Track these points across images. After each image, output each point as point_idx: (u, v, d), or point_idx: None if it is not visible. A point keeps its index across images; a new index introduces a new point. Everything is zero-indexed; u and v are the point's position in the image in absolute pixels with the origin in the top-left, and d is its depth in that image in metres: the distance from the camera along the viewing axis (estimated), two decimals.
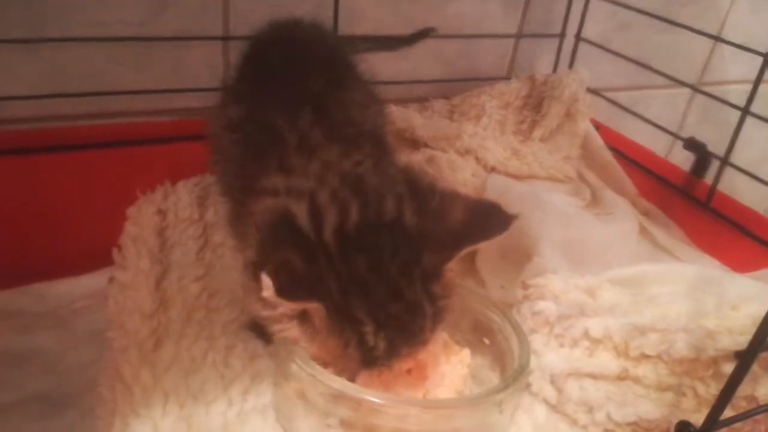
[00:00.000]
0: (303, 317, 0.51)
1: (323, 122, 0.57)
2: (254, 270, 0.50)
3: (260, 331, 0.70)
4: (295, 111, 0.57)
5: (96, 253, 0.82)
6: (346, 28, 0.98)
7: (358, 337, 0.50)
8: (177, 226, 0.82)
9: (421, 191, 0.53)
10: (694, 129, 1.41)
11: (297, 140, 0.55)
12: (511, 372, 0.61)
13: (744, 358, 0.49)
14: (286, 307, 0.50)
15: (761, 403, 0.61)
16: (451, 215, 0.52)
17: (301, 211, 0.50)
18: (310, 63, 0.67)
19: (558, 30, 1.15)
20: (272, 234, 0.50)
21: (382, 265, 0.50)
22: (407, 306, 0.51)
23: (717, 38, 1.10)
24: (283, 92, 0.61)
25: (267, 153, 0.56)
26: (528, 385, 0.68)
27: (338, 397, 0.54)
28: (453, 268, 0.54)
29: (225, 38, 0.93)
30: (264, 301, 0.49)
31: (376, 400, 0.53)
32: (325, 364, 0.54)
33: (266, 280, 0.46)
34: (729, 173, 0.98)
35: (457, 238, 0.52)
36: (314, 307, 0.49)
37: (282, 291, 0.46)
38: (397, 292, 0.50)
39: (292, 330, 0.52)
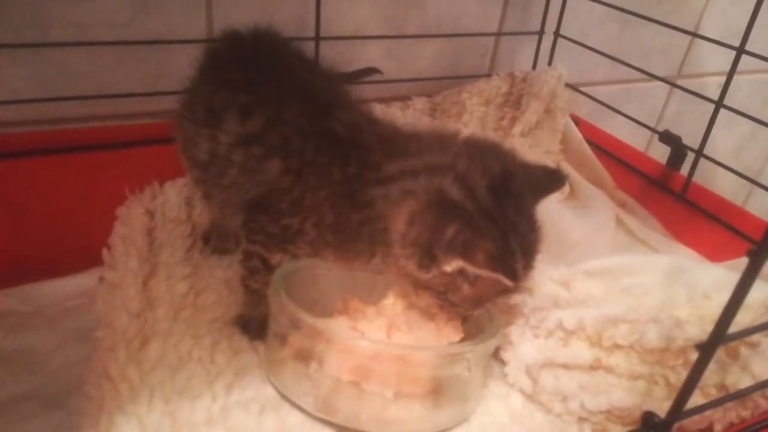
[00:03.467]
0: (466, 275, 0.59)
1: (373, 119, 0.67)
2: (426, 246, 0.58)
3: (246, 326, 0.73)
4: (337, 112, 0.65)
5: (84, 253, 0.83)
6: (327, 29, 0.99)
7: (510, 272, 0.57)
8: (165, 226, 0.83)
9: (516, 156, 0.64)
10: (673, 121, 1.44)
11: (375, 136, 0.64)
12: (480, 337, 0.66)
13: (705, 350, 0.50)
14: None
15: (730, 390, 0.63)
16: (536, 177, 0.64)
17: (450, 185, 0.58)
18: (305, 67, 0.72)
19: (537, 27, 1.17)
20: (433, 215, 0.58)
21: (522, 205, 0.60)
22: (537, 237, 0.61)
23: (691, 33, 1.12)
24: (308, 98, 0.66)
25: (349, 153, 0.62)
26: (504, 375, 0.71)
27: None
28: None
29: (209, 41, 0.94)
30: (441, 273, 0.58)
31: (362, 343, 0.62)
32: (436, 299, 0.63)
33: (456, 262, 0.56)
34: (705, 165, 1.00)
35: (541, 191, 0.63)
36: (499, 276, 0.57)
37: (490, 267, 0.56)
38: (533, 225, 0.61)
39: (463, 287, 0.61)
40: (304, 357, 0.64)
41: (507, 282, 0.57)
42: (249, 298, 0.72)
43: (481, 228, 0.56)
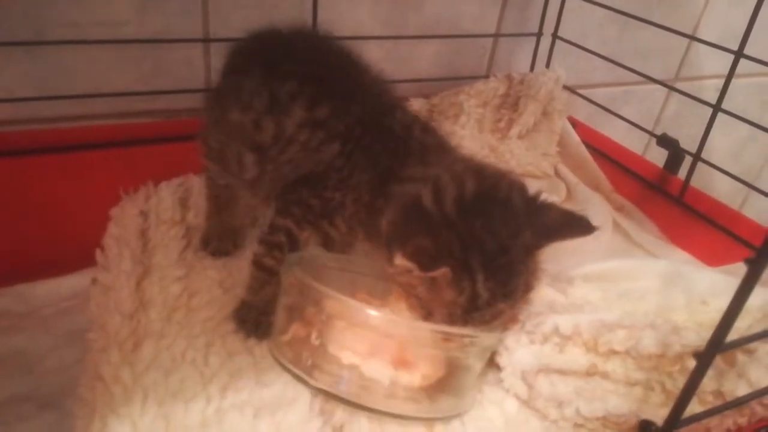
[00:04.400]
0: (432, 280, 0.61)
1: (426, 127, 0.73)
2: (388, 242, 0.62)
3: (244, 318, 0.74)
4: (397, 113, 0.72)
5: (79, 253, 0.82)
6: (325, 29, 0.99)
7: (471, 286, 0.59)
8: (159, 227, 0.83)
9: (527, 190, 0.65)
10: (672, 123, 1.43)
11: (420, 142, 0.69)
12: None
13: (702, 359, 0.50)
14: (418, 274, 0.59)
15: (727, 397, 0.63)
16: (549, 215, 0.63)
17: (426, 193, 0.61)
18: (360, 68, 0.77)
19: (535, 29, 1.17)
20: (403, 216, 0.62)
21: (494, 227, 0.60)
22: (511, 261, 0.60)
23: (690, 36, 1.11)
24: (371, 97, 0.73)
25: (397, 149, 0.68)
26: (500, 381, 0.70)
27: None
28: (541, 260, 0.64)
29: (205, 40, 0.94)
30: (396, 269, 0.61)
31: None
32: (423, 312, 0.64)
33: (403, 262, 0.58)
34: (703, 168, 1.00)
35: (553, 232, 0.63)
36: (442, 272, 0.58)
37: (422, 268, 0.58)
38: (503, 249, 0.60)
39: (419, 288, 0.62)
40: (310, 334, 0.66)
41: (453, 291, 0.59)
42: (256, 279, 0.73)
43: (432, 229, 0.59)
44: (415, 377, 0.64)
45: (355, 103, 0.71)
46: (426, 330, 0.64)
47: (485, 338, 0.65)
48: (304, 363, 0.65)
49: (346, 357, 0.64)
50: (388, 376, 0.63)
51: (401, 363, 0.64)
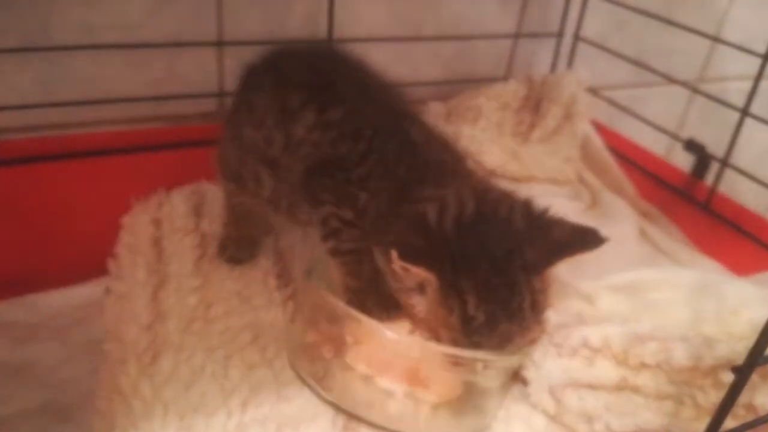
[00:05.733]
0: (421, 289, 0.60)
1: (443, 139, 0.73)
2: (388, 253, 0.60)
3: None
4: (416, 123, 0.71)
5: (90, 262, 0.82)
6: (341, 31, 0.98)
7: (460, 307, 0.57)
8: (173, 236, 0.82)
9: (532, 209, 0.63)
10: (695, 125, 1.41)
11: (435, 162, 0.68)
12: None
13: (741, 373, 0.48)
14: (409, 277, 0.59)
15: (759, 412, 0.61)
16: (555, 231, 0.61)
17: (431, 211, 0.61)
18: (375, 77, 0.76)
19: (556, 29, 1.15)
20: (408, 228, 0.61)
21: (489, 247, 0.59)
22: (507, 282, 0.58)
23: (714, 38, 1.10)
24: (387, 105, 0.72)
25: (416, 160, 0.67)
26: (527, 396, 0.69)
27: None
28: (552, 279, 0.62)
29: (219, 43, 0.93)
30: (394, 274, 0.60)
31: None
32: (432, 334, 0.62)
33: (395, 254, 0.57)
34: (729, 173, 0.98)
35: (559, 249, 0.60)
36: (428, 277, 0.57)
37: (401, 256, 0.57)
38: (499, 270, 0.58)
39: (413, 299, 0.61)
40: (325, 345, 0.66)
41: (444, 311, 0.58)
42: (347, 265, 0.70)
43: (429, 241, 0.59)
44: (429, 395, 0.63)
45: (368, 108, 0.70)
46: (436, 352, 0.62)
47: (499, 362, 0.63)
48: (318, 374, 0.65)
49: (360, 372, 0.63)
50: (401, 392, 0.63)
51: (415, 381, 0.63)
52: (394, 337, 0.62)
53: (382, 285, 0.65)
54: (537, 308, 0.60)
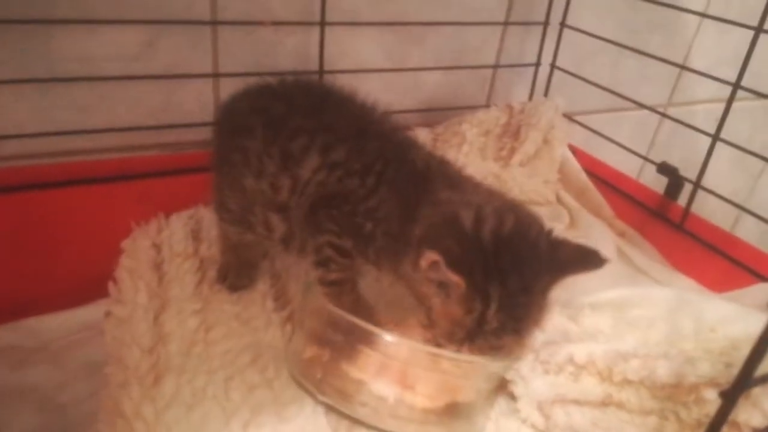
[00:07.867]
0: (443, 285, 0.63)
1: (444, 161, 0.76)
2: (419, 243, 0.64)
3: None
4: (413, 149, 0.75)
5: (88, 286, 0.83)
6: (331, 63, 1.01)
7: (481, 310, 0.61)
8: (173, 260, 0.83)
9: (551, 234, 0.67)
10: (665, 146, 1.46)
11: (442, 173, 0.72)
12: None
13: (728, 398, 0.49)
14: (440, 275, 0.61)
15: (743, 429, 0.62)
16: (562, 251, 0.65)
17: (467, 217, 0.64)
18: (366, 109, 0.78)
19: (534, 59, 1.19)
20: (442, 227, 0.64)
21: (521, 265, 0.62)
22: (528, 302, 0.63)
23: (683, 66, 1.14)
24: (385, 136, 0.74)
25: (421, 180, 0.70)
26: (516, 411, 0.71)
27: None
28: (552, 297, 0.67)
29: (215, 75, 0.95)
30: (419, 269, 0.62)
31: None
32: (431, 325, 0.66)
33: (431, 255, 0.59)
34: (700, 191, 1.02)
35: (565, 267, 0.65)
36: (457, 279, 0.60)
37: (448, 264, 0.59)
38: (525, 288, 0.62)
39: (432, 290, 0.64)
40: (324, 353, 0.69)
41: (469, 302, 0.61)
42: (331, 296, 0.72)
43: (464, 244, 0.62)
44: (417, 399, 0.65)
45: (371, 142, 0.72)
46: (424, 352, 0.65)
47: (487, 364, 0.67)
48: (314, 378, 0.68)
49: (355, 375, 0.66)
50: (393, 395, 0.65)
51: (405, 384, 0.66)
52: (383, 337, 0.65)
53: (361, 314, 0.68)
54: (537, 324, 0.65)
